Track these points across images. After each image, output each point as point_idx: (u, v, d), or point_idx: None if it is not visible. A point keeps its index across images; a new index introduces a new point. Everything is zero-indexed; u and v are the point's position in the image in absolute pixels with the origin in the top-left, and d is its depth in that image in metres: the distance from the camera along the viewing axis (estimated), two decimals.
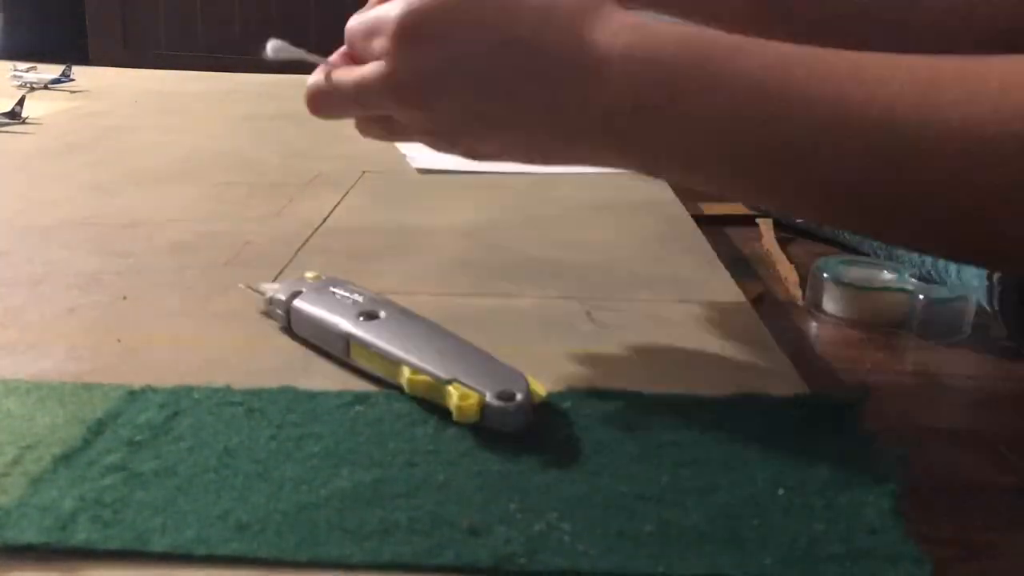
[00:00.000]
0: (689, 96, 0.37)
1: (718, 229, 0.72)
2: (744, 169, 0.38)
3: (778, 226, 0.75)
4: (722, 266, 0.58)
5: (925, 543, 0.29)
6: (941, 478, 0.39)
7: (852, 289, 0.56)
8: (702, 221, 0.70)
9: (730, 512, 0.31)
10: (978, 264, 0.50)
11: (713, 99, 0.37)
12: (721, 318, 0.49)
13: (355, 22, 0.42)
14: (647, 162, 0.40)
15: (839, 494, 0.32)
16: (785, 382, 0.42)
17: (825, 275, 0.57)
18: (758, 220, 0.77)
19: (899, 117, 0.34)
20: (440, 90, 0.39)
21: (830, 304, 0.56)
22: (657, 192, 0.76)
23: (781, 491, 0.32)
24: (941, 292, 0.54)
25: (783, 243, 0.72)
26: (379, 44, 0.40)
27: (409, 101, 0.40)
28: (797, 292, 0.60)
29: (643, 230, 0.66)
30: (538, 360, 0.43)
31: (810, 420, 0.37)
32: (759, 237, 0.73)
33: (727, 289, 0.54)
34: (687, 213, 0.71)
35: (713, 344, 0.46)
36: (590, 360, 0.43)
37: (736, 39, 0.38)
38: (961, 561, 0.34)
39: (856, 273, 0.57)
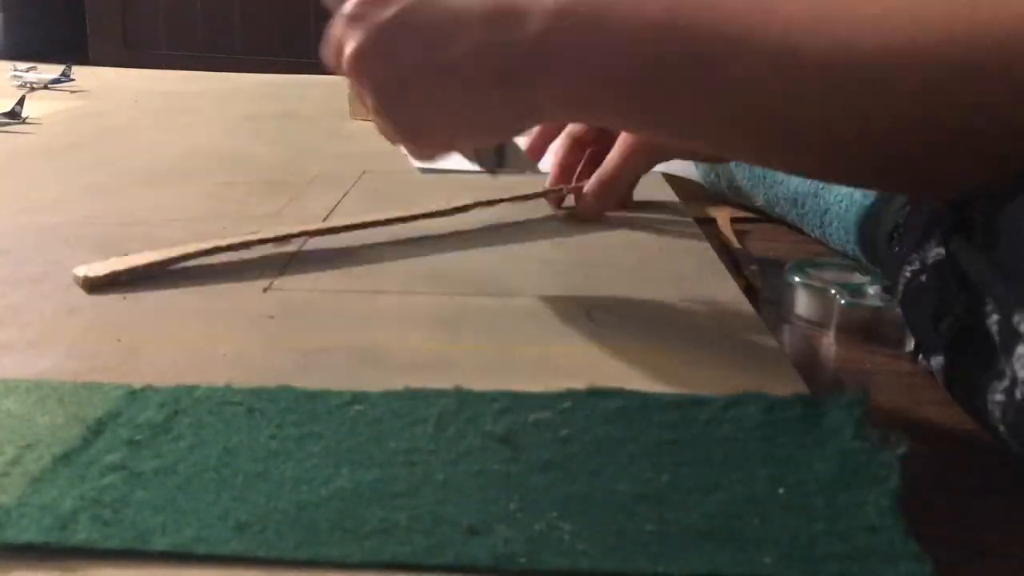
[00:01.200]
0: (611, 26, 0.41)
1: (708, 229, 0.72)
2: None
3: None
4: (722, 265, 0.58)
5: (925, 543, 0.29)
6: (940, 478, 0.39)
7: (820, 296, 0.56)
8: (701, 222, 0.70)
9: (730, 511, 0.31)
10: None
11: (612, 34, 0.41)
12: (721, 317, 0.49)
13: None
14: (582, 88, 0.43)
15: (839, 493, 0.32)
16: (785, 382, 0.42)
17: (795, 279, 0.57)
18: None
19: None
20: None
21: (801, 308, 0.57)
22: (657, 192, 0.76)
23: (781, 490, 0.32)
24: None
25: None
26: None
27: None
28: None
29: (643, 229, 0.66)
30: (538, 360, 0.43)
31: (810, 420, 0.37)
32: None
33: (727, 288, 0.54)
34: (688, 213, 0.71)
35: (713, 343, 0.46)
36: (590, 360, 0.43)
37: None
38: (961, 561, 0.34)
39: (826, 278, 0.57)
